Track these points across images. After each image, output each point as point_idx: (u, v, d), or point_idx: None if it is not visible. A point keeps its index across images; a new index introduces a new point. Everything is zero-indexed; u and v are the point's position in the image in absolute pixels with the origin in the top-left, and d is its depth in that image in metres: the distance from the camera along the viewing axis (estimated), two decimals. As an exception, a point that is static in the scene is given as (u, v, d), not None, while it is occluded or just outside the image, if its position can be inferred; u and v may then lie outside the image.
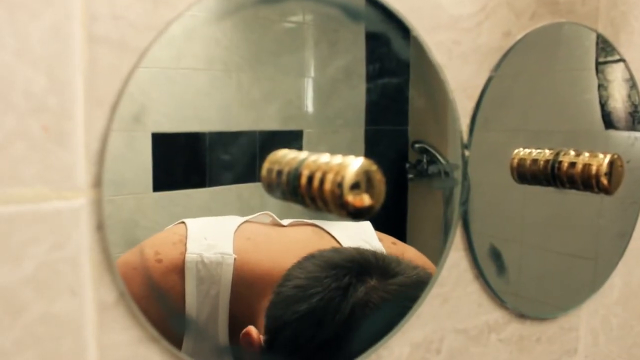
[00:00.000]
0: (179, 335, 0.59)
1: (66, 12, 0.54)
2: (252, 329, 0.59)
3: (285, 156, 0.60)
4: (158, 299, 0.60)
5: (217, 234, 0.62)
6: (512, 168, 0.89)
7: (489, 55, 0.86)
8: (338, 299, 0.60)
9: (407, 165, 0.83)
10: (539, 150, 0.88)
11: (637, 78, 1.03)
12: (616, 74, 1.01)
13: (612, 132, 1.02)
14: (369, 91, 0.77)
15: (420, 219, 0.86)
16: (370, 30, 0.76)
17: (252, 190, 0.70)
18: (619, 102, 1.01)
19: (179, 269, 0.61)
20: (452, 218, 0.84)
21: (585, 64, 1.00)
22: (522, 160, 0.89)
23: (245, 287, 0.61)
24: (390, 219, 0.80)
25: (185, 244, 0.61)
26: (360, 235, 0.68)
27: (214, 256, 0.61)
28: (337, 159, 0.55)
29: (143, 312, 0.56)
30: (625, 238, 1.08)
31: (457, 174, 0.83)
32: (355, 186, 0.53)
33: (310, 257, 0.63)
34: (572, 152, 0.85)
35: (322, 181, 0.54)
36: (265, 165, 0.61)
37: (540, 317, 0.99)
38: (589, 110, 1.01)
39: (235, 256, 0.62)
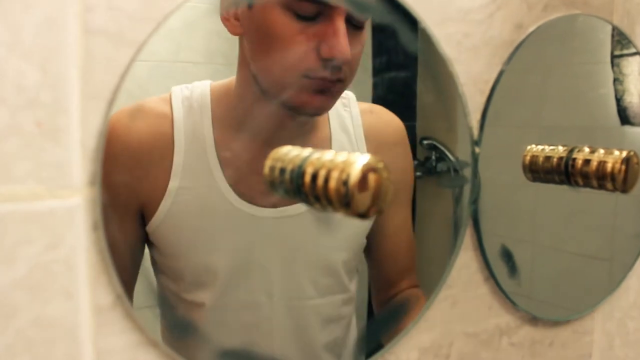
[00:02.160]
0: (168, 161, 0.66)
1: (61, 3, 0.54)
2: None
3: (288, 153, 0.59)
4: (145, 125, 0.65)
5: None
6: (524, 165, 0.89)
7: (501, 48, 0.85)
8: None
9: (415, 162, 0.83)
10: (552, 147, 0.87)
11: (654, 72, 1.03)
12: (632, 68, 1.00)
13: (628, 128, 1.02)
14: (375, 86, 0.76)
15: (428, 218, 0.85)
16: (376, 22, 0.76)
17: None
18: (635, 96, 1.01)
19: (166, 100, 0.67)
20: (461, 217, 0.84)
21: (600, 57, 1.00)
22: (534, 157, 0.88)
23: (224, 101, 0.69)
24: (397, 218, 0.80)
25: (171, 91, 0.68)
26: None
27: (194, 84, 0.68)
28: (342, 156, 0.55)
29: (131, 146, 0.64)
30: (641, 238, 1.07)
31: (467, 172, 0.83)
32: (361, 184, 0.52)
33: None
34: (587, 149, 0.85)
35: (326, 179, 0.54)
36: (268, 163, 0.60)
37: (553, 320, 0.98)
38: (604, 105, 1.00)
39: (211, 82, 0.69)
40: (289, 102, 0.68)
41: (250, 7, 0.65)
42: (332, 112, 0.73)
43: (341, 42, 0.65)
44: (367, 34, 0.69)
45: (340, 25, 0.65)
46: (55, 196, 0.55)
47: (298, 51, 0.65)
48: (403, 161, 0.79)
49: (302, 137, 0.71)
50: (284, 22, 0.64)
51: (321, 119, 0.72)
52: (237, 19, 0.65)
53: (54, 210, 0.55)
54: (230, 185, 0.68)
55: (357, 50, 0.68)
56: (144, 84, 0.62)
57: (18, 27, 0.52)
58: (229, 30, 0.65)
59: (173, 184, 0.66)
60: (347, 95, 0.73)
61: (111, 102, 0.57)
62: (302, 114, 0.70)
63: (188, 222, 0.67)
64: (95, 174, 0.57)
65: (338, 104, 0.73)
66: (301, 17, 0.64)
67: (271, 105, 0.68)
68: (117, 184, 0.59)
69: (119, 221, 0.60)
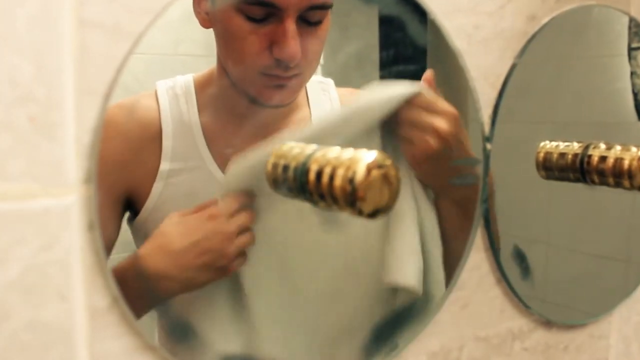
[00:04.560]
0: (158, 146, 0.68)
1: (54, -6, 0.54)
2: None
3: (291, 150, 0.59)
4: (132, 115, 0.67)
5: None
6: (537, 162, 0.89)
7: (513, 41, 0.85)
8: None
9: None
10: (566, 144, 0.87)
11: (673, 65, 1.02)
12: (651, 61, 1.00)
13: (647, 124, 1.01)
14: (382, 79, 0.76)
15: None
16: (384, 13, 0.75)
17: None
18: (653, 91, 1.00)
19: (151, 93, 0.69)
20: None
21: (617, 50, 0.99)
22: (548, 154, 0.88)
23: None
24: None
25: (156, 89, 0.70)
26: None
27: (176, 77, 0.71)
28: (348, 153, 0.54)
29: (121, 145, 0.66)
30: (660, 238, 1.07)
31: (478, 169, 0.82)
32: (368, 182, 0.52)
33: None
34: (603, 146, 0.84)
35: (331, 177, 0.54)
36: (271, 160, 0.60)
37: (568, 323, 0.98)
38: (620, 99, 1.00)
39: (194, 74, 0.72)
40: (252, 95, 0.71)
41: (212, 4, 0.67)
42: (312, 95, 0.75)
43: (290, 44, 0.67)
44: (327, 25, 0.70)
45: (290, 26, 0.67)
46: (50, 194, 0.55)
47: (252, 50, 0.67)
48: None
49: (282, 118, 0.74)
50: (237, 23, 0.67)
51: (300, 100, 0.75)
52: (206, 12, 0.67)
53: (48, 209, 0.55)
54: (219, 166, 0.69)
55: (313, 45, 0.70)
56: (142, 77, 0.62)
57: (11, 20, 0.52)
58: (200, 23, 0.67)
59: (164, 167, 0.68)
60: (326, 81, 0.75)
61: (107, 97, 0.57)
62: (265, 106, 0.73)
63: (180, 204, 0.69)
64: (91, 171, 0.56)
65: (317, 89, 0.75)
66: (251, 19, 0.66)
67: (242, 94, 0.71)
68: (107, 174, 0.60)
69: (112, 214, 0.63)
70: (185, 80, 0.70)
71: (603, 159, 0.83)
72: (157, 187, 0.68)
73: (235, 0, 0.66)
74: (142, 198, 0.68)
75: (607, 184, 0.84)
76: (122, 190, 0.68)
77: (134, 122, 0.67)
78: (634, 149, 0.82)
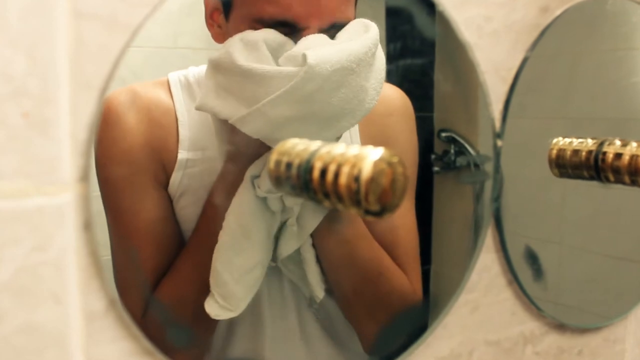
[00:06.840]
0: (176, 135, 0.69)
1: (48, -16, 0.53)
2: None
3: (295, 146, 0.59)
4: (148, 115, 0.69)
5: None
6: (550, 160, 0.88)
7: (525, 33, 0.85)
8: None
9: (433, 156, 0.82)
10: (580, 140, 0.86)
11: (691, 59, 1.02)
12: (668, 54, 1.00)
13: (663, 120, 1.01)
14: (389, 73, 0.76)
15: (447, 217, 0.85)
16: (391, 4, 0.75)
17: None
18: (670, 85, 1.00)
19: (164, 83, 0.70)
20: (482, 216, 0.83)
21: (633, 43, 0.99)
22: (561, 151, 0.87)
23: None
24: (413, 217, 0.80)
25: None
26: None
27: (191, 70, 0.71)
28: (354, 150, 0.54)
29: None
30: (677, 238, 1.06)
31: (489, 167, 0.82)
32: (374, 180, 0.52)
33: None
34: (618, 142, 0.84)
35: (336, 175, 0.53)
36: (273, 157, 0.60)
37: (581, 327, 0.98)
38: (636, 94, 1.00)
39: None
40: None
41: (227, 20, 0.67)
42: None
43: None
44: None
45: None
46: (43, 193, 0.54)
47: None
48: (393, 132, 0.79)
49: None
50: None
51: None
52: (220, 26, 0.67)
53: (42, 208, 0.54)
54: None
55: None
56: (139, 71, 0.62)
57: (3, 10, 0.51)
58: (212, 37, 0.67)
59: (182, 156, 0.69)
60: None
61: (103, 91, 0.57)
62: None
63: (199, 194, 0.70)
64: (87, 169, 0.56)
65: None
66: None
67: None
68: (136, 156, 0.64)
69: (141, 193, 0.66)
70: (199, 69, 0.70)
71: (618, 156, 0.83)
72: (175, 177, 0.69)
73: (253, 20, 0.65)
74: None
75: (623, 182, 0.83)
76: (153, 171, 0.69)
77: (153, 107, 0.68)
78: (650, 146, 0.81)
